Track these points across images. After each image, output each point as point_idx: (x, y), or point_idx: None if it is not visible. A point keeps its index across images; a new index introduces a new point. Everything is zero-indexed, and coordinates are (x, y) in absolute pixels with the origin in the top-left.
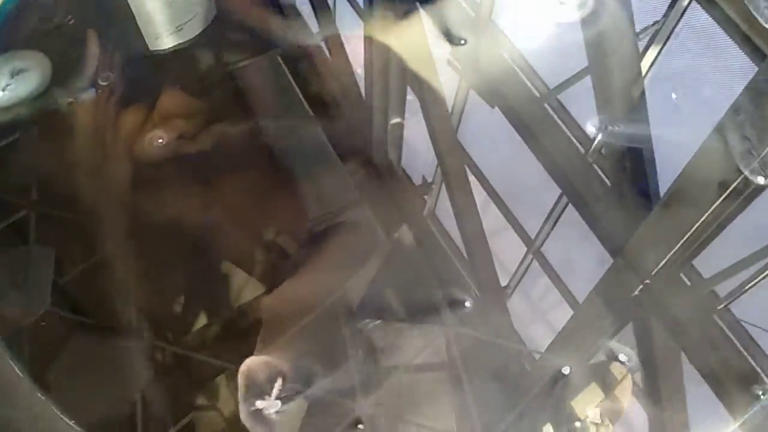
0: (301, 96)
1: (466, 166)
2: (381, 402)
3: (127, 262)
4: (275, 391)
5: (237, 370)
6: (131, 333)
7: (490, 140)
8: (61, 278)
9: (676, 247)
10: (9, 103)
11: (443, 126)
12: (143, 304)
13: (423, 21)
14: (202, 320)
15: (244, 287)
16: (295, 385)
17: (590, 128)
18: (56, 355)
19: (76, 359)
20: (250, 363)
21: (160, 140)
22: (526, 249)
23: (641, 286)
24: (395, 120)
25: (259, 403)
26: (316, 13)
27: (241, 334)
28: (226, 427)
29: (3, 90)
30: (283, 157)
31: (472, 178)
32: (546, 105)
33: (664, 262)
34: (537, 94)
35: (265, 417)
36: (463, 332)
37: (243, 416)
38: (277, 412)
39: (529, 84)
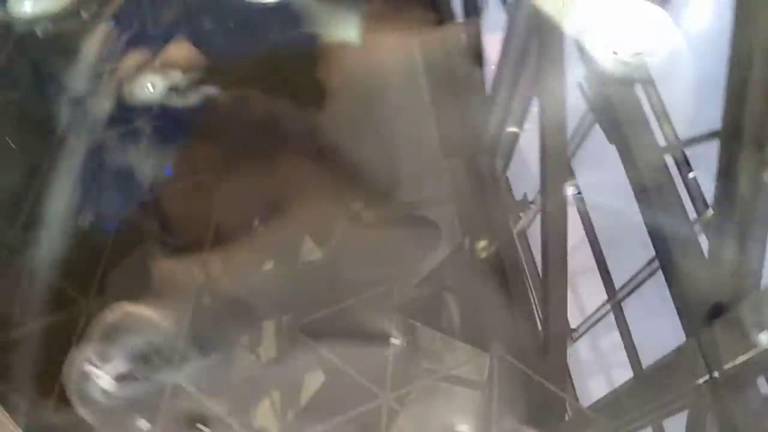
0: (424, 81)
1: (570, 195)
2: (406, 400)
3: (218, 195)
4: (118, 367)
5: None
6: (198, 259)
7: (602, 177)
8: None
9: (761, 349)
10: (31, 16)
11: (557, 149)
12: (220, 237)
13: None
14: (268, 265)
15: (314, 250)
16: (153, 366)
17: (708, 195)
18: (125, 257)
19: (139, 265)
20: (121, 312)
21: (150, 86)
22: (606, 297)
23: (707, 377)
24: (512, 128)
25: (91, 369)
26: (465, 3)
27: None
28: (259, 373)
29: None
30: (390, 135)
31: (572, 210)
32: (669, 156)
33: (742, 360)
34: (663, 143)
35: (90, 390)
36: (511, 360)
37: (68, 371)
38: (105, 392)
39: (659, 130)
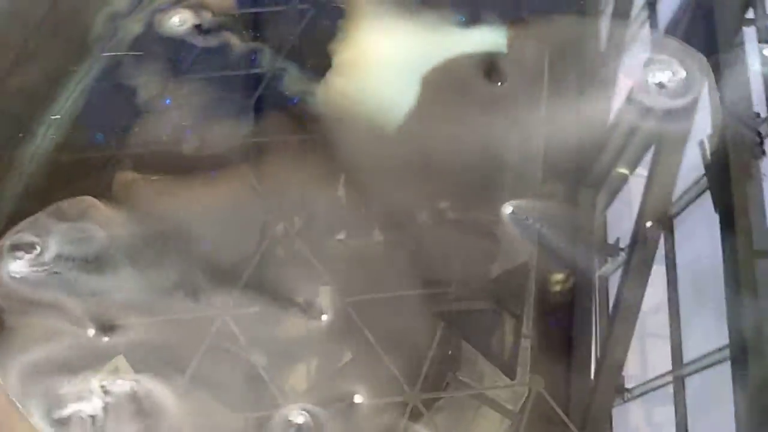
0: (547, 93)
1: (664, 255)
2: (431, 405)
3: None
4: (38, 252)
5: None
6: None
7: (700, 245)
8: None
9: None
10: None
11: (660, 203)
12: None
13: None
14: (340, 235)
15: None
16: (82, 267)
17: None
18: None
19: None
20: (84, 201)
21: (178, 20)
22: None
23: None
24: (623, 169)
25: (26, 242)
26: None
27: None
28: (303, 335)
29: None
30: (499, 144)
31: (660, 269)
32: None
33: None
34: None
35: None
36: (549, 399)
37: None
38: (23, 278)
39: None
